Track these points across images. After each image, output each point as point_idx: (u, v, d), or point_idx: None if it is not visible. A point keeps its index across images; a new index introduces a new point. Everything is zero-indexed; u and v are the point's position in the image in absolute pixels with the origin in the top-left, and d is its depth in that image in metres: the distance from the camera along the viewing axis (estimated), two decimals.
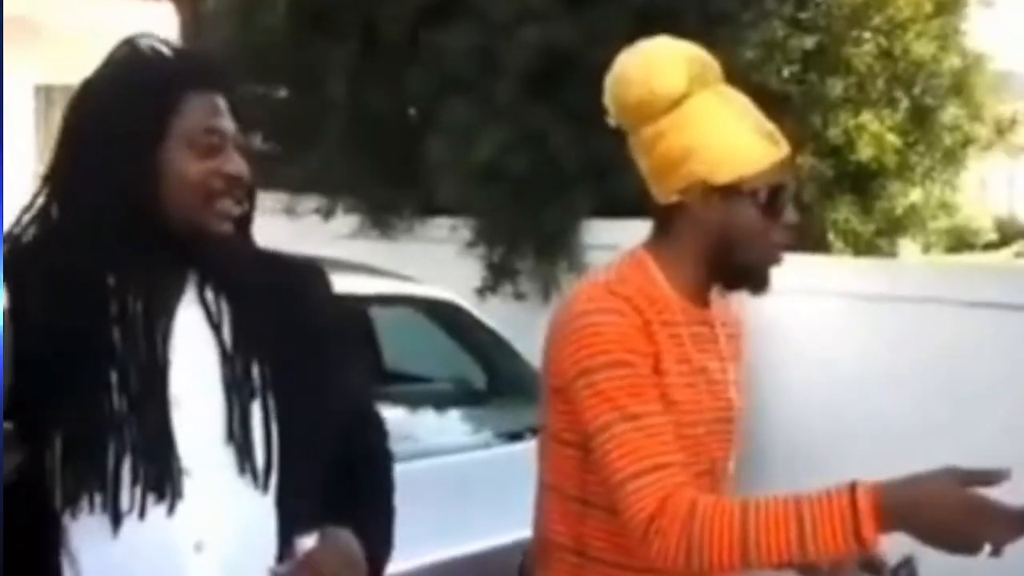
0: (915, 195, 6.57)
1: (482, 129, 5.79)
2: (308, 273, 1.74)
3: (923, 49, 6.54)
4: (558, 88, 5.61)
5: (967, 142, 6.75)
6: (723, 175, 1.82)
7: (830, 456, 4.46)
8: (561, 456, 1.87)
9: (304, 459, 1.58)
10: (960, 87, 6.69)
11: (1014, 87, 7.73)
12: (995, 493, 1.54)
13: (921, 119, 6.61)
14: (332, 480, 1.62)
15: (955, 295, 4.45)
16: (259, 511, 1.55)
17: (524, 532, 1.99)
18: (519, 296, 5.99)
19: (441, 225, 6.52)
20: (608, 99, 1.89)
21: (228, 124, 1.58)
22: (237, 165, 1.56)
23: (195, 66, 1.62)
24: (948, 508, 1.56)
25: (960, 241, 9.06)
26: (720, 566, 1.65)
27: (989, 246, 11.79)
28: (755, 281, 1.89)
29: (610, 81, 1.88)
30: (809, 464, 4.46)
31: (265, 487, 1.55)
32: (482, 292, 6.01)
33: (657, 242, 1.90)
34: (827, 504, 1.59)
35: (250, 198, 1.62)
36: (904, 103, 6.55)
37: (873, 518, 1.57)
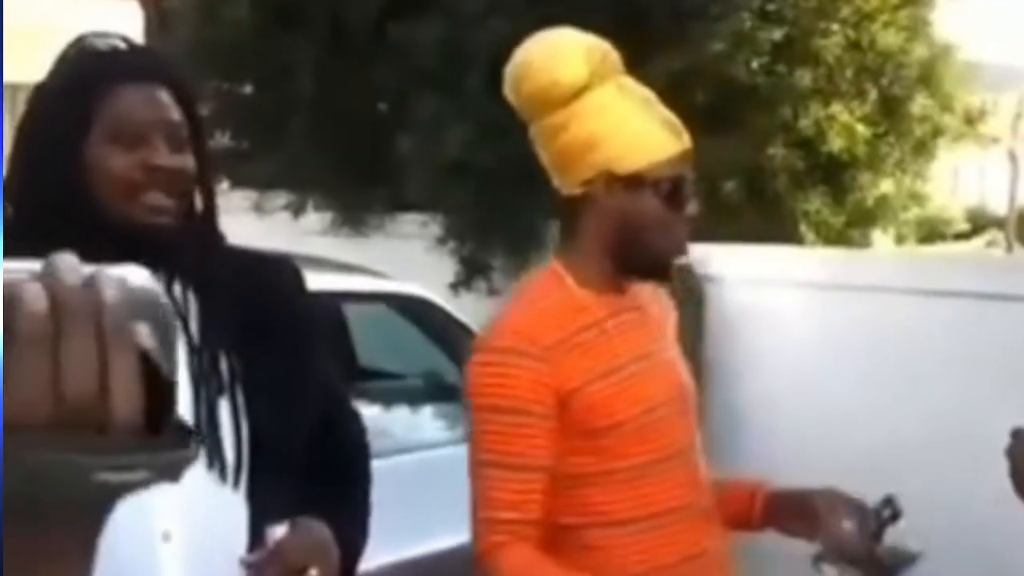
0: (886, 186, 6.58)
1: (451, 124, 5.76)
2: (280, 268, 1.73)
3: (891, 40, 6.55)
4: None
5: (937, 133, 6.76)
6: (626, 164, 1.83)
7: (802, 443, 4.48)
8: None
9: (275, 452, 1.57)
10: (929, 78, 6.71)
11: (984, 77, 7.76)
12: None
13: (890, 110, 6.61)
14: (305, 473, 1.62)
15: (925, 285, 4.46)
16: (229, 504, 1.54)
17: None
18: (492, 292, 5.97)
19: (412, 221, 6.49)
20: (508, 88, 1.89)
21: (162, 116, 1.54)
22: (164, 156, 1.52)
23: (131, 59, 1.59)
24: None
25: (932, 231, 9.12)
26: None
27: (961, 236, 11.87)
28: (660, 271, 1.92)
29: (511, 70, 1.88)
30: (782, 449, 4.48)
31: (235, 482, 1.53)
32: (455, 288, 5.98)
33: (565, 243, 1.91)
34: None
35: (206, 193, 1.60)
36: (873, 94, 6.56)
37: None
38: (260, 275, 1.67)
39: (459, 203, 6.00)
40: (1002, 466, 1.86)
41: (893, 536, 1.79)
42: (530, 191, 6.06)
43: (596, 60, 1.85)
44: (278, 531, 1.51)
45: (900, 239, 7.19)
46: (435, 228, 6.20)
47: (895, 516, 1.80)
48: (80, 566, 0.64)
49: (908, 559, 1.79)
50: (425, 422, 4.24)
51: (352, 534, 1.69)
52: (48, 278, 0.58)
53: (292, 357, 1.63)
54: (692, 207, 1.89)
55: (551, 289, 1.87)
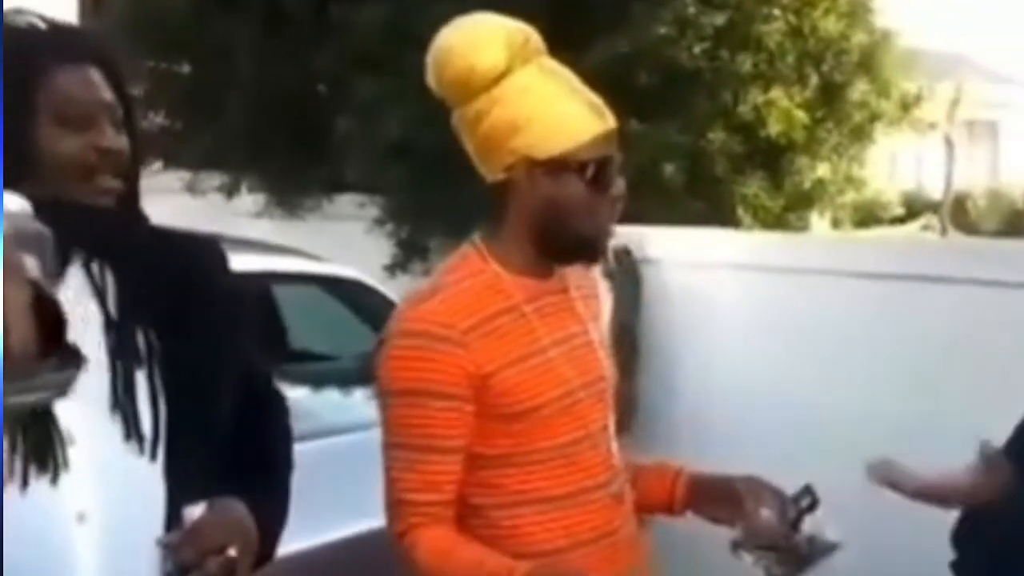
0: (823, 170, 6.63)
1: (392, 105, 5.70)
2: (202, 247, 1.72)
3: (831, 26, 6.60)
4: None
5: (874, 118, 6.83)
6: (547, 149, 1.81)
7: (734, 419, 4.54)
8: None
9: (194, 429, 1.56)
10: (869, 64, 6.77)
11: (922, 64, 7.84)
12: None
13: (830, 95, 6.66)
14: (225, 452, 1.61)
15: (858, 267, 4.50)
16: (146, 481, 1.52)
17: None
18: (429, 273, 5.92)
19: (349, 202, 6.45)
20: (430, 76, 1.87)
21: (103, 97, 1.54)
22: (111, 139, 1.53)
23: (63, 39, 1.56)
24: None
25: (869, 215, 9.22)
26: None
27: (897, 220, 12.01)
28: (586, 254, 1.92)
29: (430, 58, 1.86)
30: (715, 424, 4.57)
31: (152, 456, 1.52)
32: (392, 270, 5.94)
33: (491, 224, 1.90)
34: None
35: (134, 173, 1.59)
36: (813, 80, 6.61)
37: None
38: (183, 254, 1.65)
39: (398, 185, 5.96)
40: (927, 447, 1.87)
41: (811, 525, 1.81)
42: (469, 173, 6.03)
43: (516, 44, 1.83)
44: (195, 511, 1.50)
45: (837, 223, 7.26)
46: (373, 210, 6.16)
47: (813, 505, 1.83)
48: None
49: (826, 549, 1.81)
50: (358, 404, 4.21)
51: (270, 513, 1.68)
52: None
53: (213, 336, 1.62)
54: (618, 187, 1.88)
55: (472, 271, 1.86)
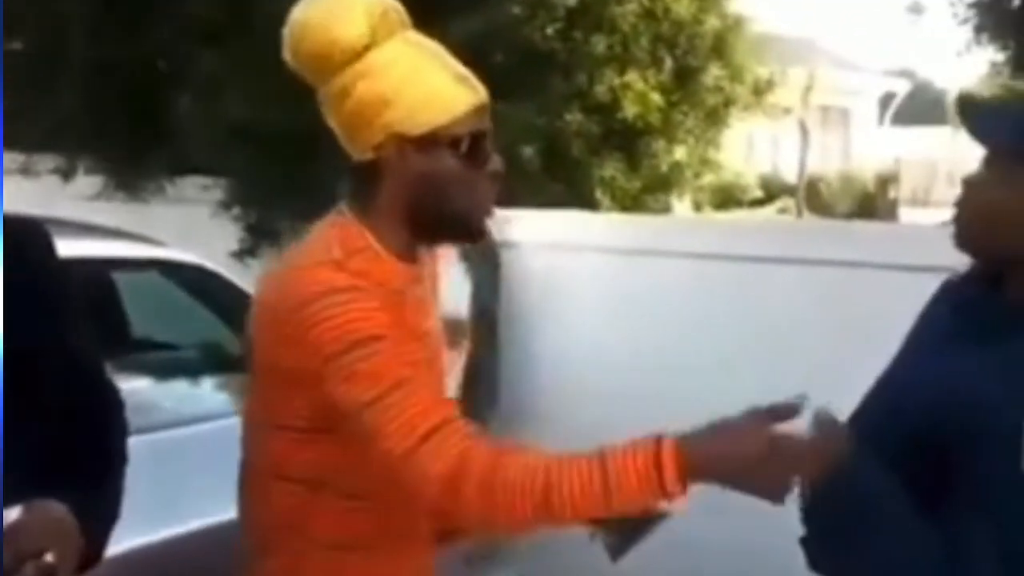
0: (679, 153, 6.72)
1: (235, 82, 5.51)
2: (25, 231, 1.62)
3: (684, 10, 6.67)
4: None
5: (729, 102, 6.93)
6: (418, 125, 1.74)
7: (597, 402, 4.54)
8: (286, 441, 1.78)
9: (13, 426, 1.47)
10: (721, 49, 6.86)
11: (774, 50, 8.00)
12: None
13: (684, 79, 6.76)
14: (49, 449, 1.54)
15: (713, 249, 4.55)
16: None
17: None
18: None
19: (193, 185, 6.25)
20: (287, 52, 1.77)
21: None
22: None
23: None
24: (752, 455, 1.57)
25: (729, 198, 9.40)
26: (524, 524, 1.64)
27: (756, 202, 12.30)
28: (466, 232, 1.84)
29: (288, 32, 1.77)
30: (574, 410, 4.57)
31: None
32: (240, 255, 5.75)
33: (361, 203, 1.79)
34: (632, 460, 1.57)
35: None
36: (668, 63, 6.67)
37: (677, 473, 1.56)
38: (3, 239, 1.55)
39: (243, 166, 5.78)
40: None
41: None
42: (319, 152, 5.88)
43: (376, 15, 1.75)
44: (11, 514, 1.42)
45: (698, 206, 7.37)
46: (218, 192, 5.97)
47: None
48: None
49: (658, 517, 1.76)
50: (203, 393, 4.08)
51: (100, 515, 1.61)
52: None
53: (35, 326, 1.54)
54: (495, 163, 1.81)
55: (359, 246, 1.75)
